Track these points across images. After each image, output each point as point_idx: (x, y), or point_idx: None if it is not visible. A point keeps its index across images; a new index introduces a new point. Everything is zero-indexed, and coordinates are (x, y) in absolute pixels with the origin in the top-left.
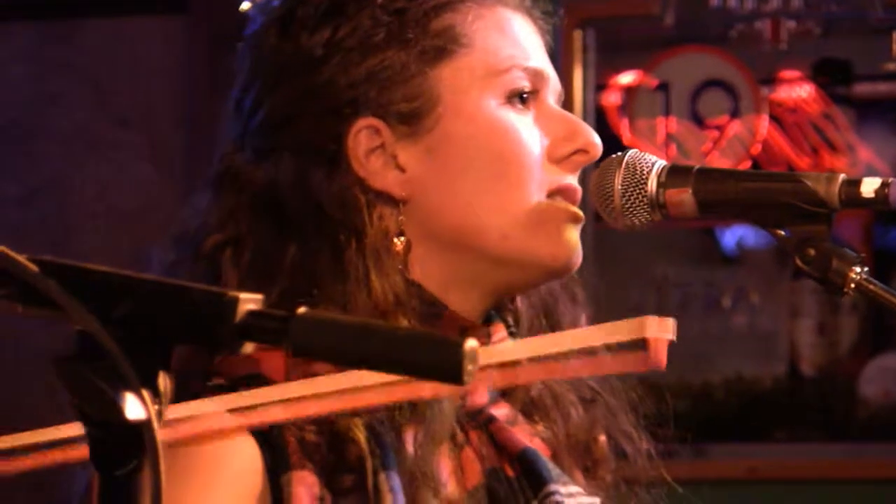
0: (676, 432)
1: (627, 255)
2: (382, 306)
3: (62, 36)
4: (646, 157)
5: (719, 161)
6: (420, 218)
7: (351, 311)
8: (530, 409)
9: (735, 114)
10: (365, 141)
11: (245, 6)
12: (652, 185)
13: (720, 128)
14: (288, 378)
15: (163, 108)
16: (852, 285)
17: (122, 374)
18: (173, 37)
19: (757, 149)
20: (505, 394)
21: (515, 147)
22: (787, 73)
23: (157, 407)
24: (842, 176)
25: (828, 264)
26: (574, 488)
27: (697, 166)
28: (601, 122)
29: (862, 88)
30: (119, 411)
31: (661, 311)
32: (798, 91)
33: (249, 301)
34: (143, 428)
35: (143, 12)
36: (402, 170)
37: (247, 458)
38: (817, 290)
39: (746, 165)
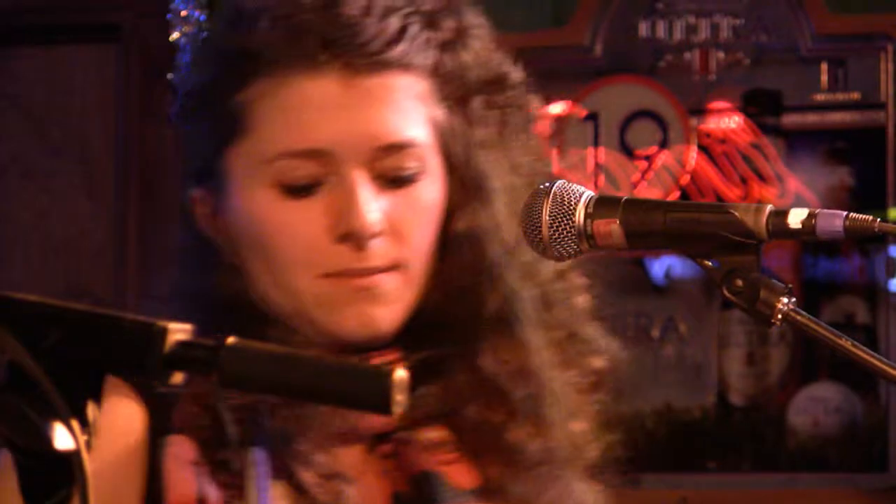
0: (609, 462)
1: None
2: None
3: None
4: (574, 187)
5: (648, 191)
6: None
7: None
8: (464, 435)
9: (664, 144)
10: (200, 207)
11: (175, 36)
12: (579, 215)
13: (649, 158)
14: None
15: (96, 137)
16: (780, 316)
17: (51, 403)
18: (106, 65)
19: (686, 179)
20: (440, 416)
21: (277, 238)
22: (717, 104)
23: (86, 437)
24: (769, 207)
25: (755, 295)
26: None
27: (625, 197)
28: None
29: (791, 119)
30: (48, 441)
31: None
32: (727, 121)
33: (179, 331)
34: (72, 458)
35: (76, 41)
36: (227, 238)
37: (129, 418)
38: (746, 320)
39: (675, 196)
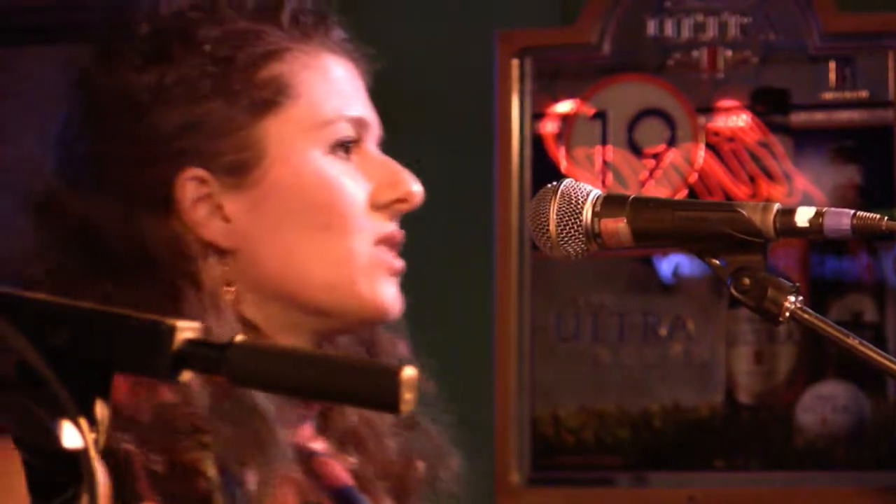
0: (617, 460)
1: (564, 282)
2: None
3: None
4: (581, 186)
5: (656, 190)
6: (246, 269)
7: None
8: (345, 440)
9: (672, 142)
10: (191, 190)
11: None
12: (587, 214)
13: (657, 156)
14: (136, 406)
15: None
16: (787, 314)
17: (59, 402)
18: None
19: (694, 177)
20: (322, 426)
21: (340, 197)
22: (725, 102)
23: (94, 435)
24: (777, 205)
25: (763, 293)
26: None
27: (633, 195)
28: (538, 150)
29: (799, 117)
30: (56, 440)
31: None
32: (735, 120)
33: (187, 329)
34: (80, 456)
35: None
36: (228, 220)
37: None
38: (754, 318)
39: (683, 194)
